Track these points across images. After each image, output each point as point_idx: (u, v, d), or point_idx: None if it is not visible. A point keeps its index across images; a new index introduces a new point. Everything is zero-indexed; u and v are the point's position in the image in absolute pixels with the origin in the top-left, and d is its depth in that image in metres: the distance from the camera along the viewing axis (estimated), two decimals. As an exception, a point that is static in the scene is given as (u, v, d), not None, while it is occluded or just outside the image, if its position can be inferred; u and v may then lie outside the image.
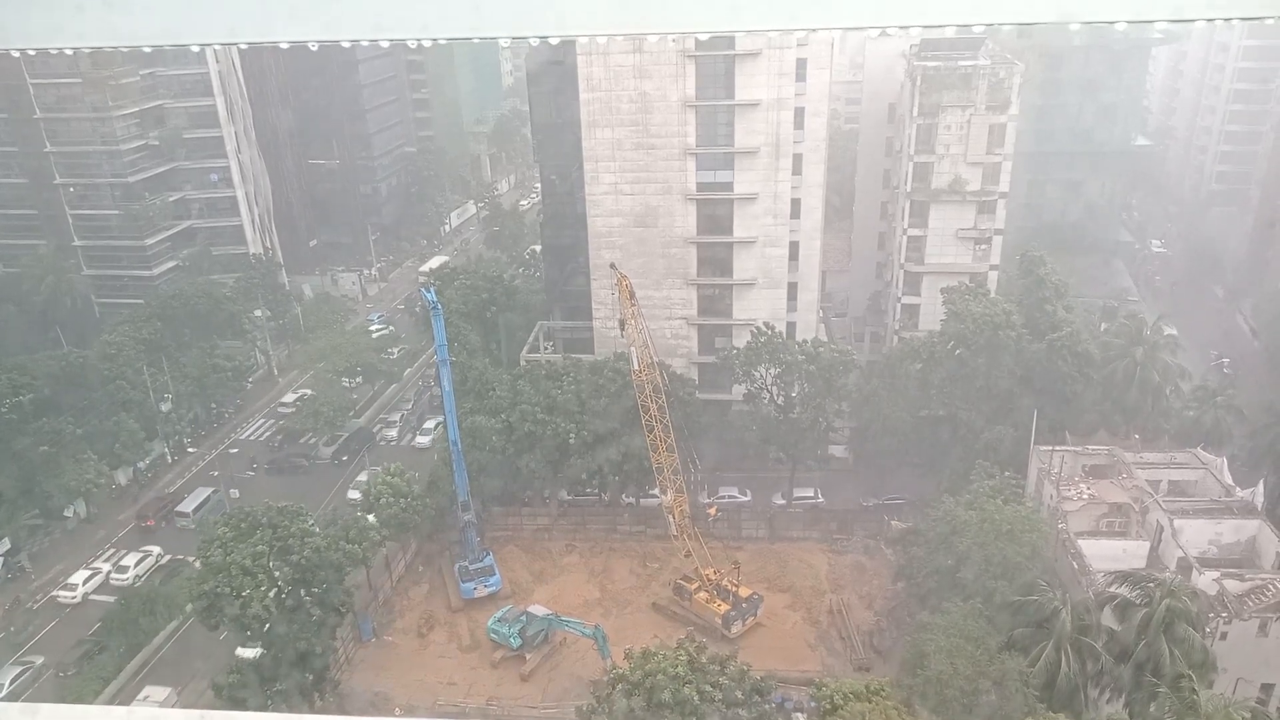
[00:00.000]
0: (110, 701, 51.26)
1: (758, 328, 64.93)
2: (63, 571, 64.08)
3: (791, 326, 69.82)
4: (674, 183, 67.07)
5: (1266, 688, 45.22)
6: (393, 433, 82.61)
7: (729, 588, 56.44)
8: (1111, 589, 43.37)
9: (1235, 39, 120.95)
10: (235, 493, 71.09)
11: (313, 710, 48.00)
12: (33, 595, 62.32)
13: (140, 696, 52.36)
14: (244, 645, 51.93)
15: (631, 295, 55.12)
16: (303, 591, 49.94)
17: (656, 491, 59.41)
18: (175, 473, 76.43)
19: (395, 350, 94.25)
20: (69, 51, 3.05)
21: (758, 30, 3.09)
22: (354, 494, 67.83)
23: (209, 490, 71.91)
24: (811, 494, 68.43)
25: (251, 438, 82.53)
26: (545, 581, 62.05)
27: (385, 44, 3.17)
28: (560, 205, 73.26)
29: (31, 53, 3.11)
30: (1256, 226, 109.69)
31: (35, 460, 64.65)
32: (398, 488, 59.32)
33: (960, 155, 71.85)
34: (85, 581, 62.09)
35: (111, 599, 59.31)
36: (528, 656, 53.95)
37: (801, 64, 64.04)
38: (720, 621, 55.28)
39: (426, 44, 3.13)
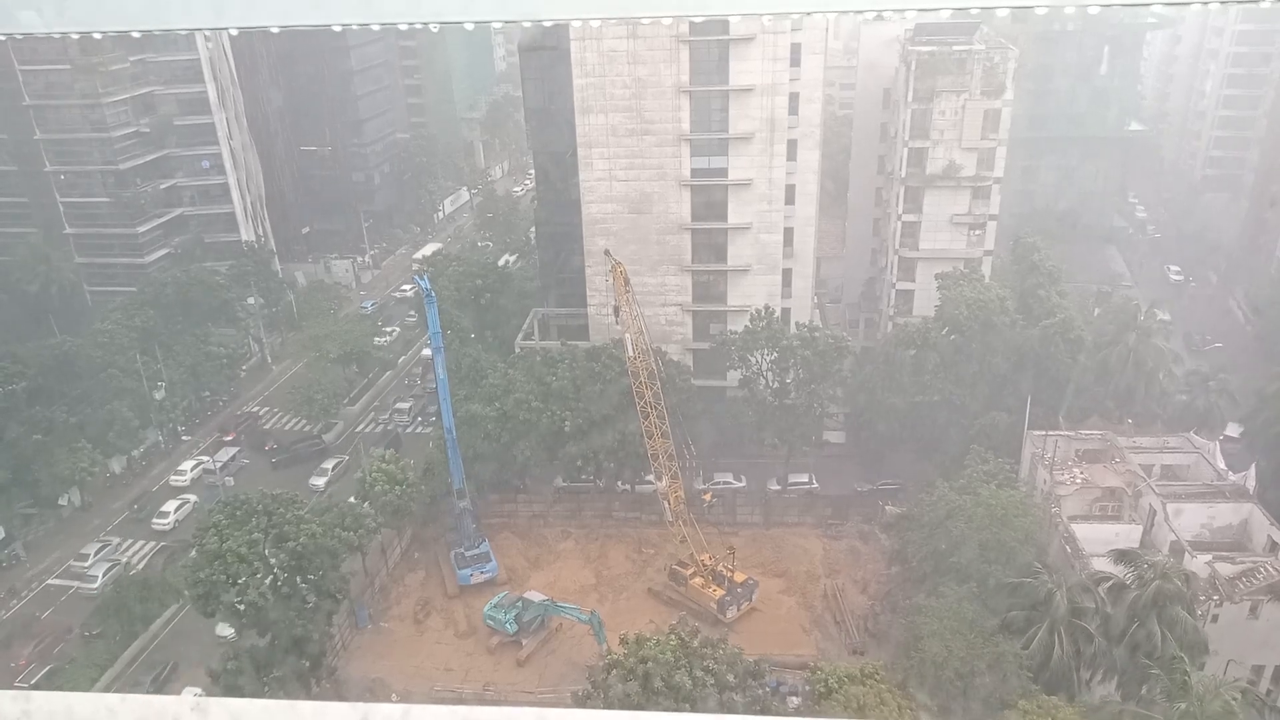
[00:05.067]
0: (107, 689, 51.36)
1: (756, 311, 64.90)
2: (58, 559, 64.26)
3: (786, 312, 69.83)
4: (668, 168, 66.88)
5: (1257, 669, 45.65)
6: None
7: (724, 573, 56.64)
8: (1107, 567, 43.70)
9: (1229, 23, 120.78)
10: (230, 480, 71.14)
11: (309, 697, 48.11)
12: (28, 584, 62.39)
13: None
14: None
15: (626, 282, 55.04)
16: (298, 579, 49.97)
17: (652, 478, 59.53)
18: (170, 460, 76.37)
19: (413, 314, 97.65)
20: (56, 35, 3.01)
21: (752, 13, 3.06)
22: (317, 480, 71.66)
23: (234, 450, 75.88)
24: (806, 479, 68.60)
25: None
26: (541, 567, 62.22)
27: (376, 27, 3.13)
28: (554, 191, 72.98)
29: (19, 37, 3.07)
30: (1250, 212, 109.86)
31: (29, 449, 64.47)
32: (393, 475, 59.33)
33: (955, 140, 71.77)
34: (192, 469, 73.78)
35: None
36: (524, 642, 54.15)
37: (796, 49, 63.77)
38: (715, 606, 55.51)
39: (418, 27, 3.09)
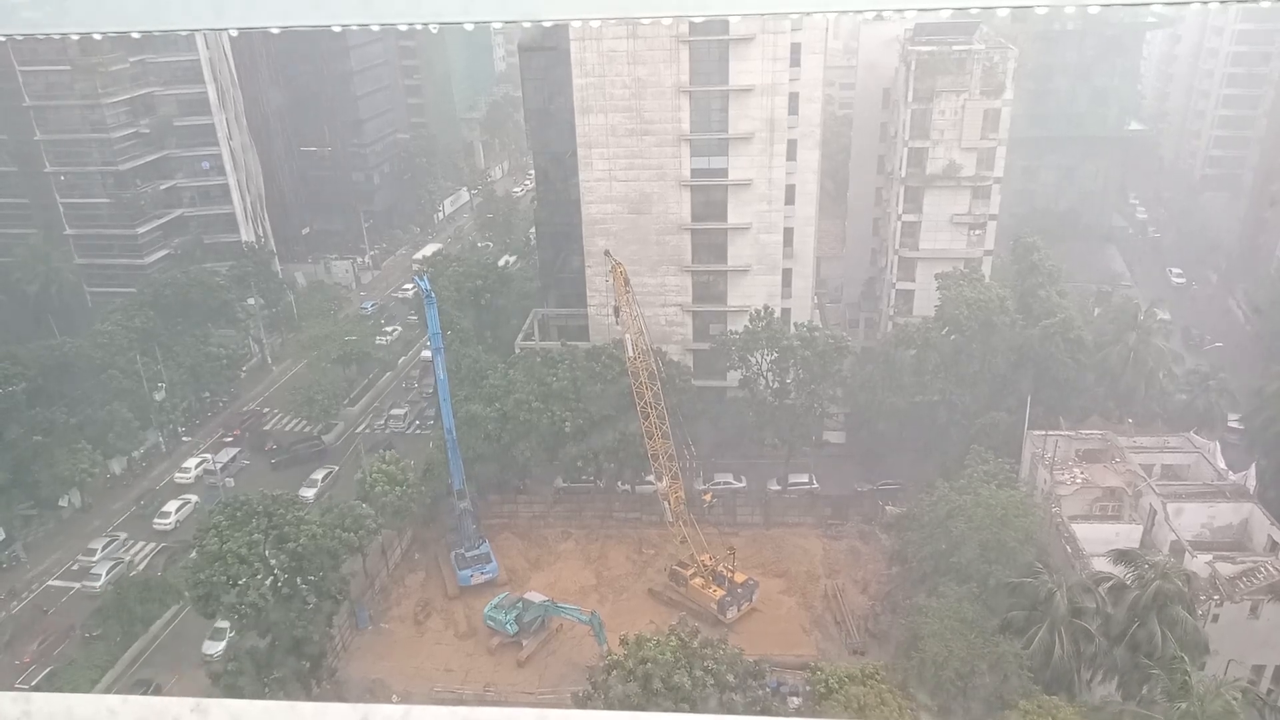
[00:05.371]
0: (107, 690, 51.34)
1: (756, 311, 64.93)
2: (58, 560, 64.30)
3: (786, 312, 69.85)
4: (668, 169, 66.88)
5: (1258, 669, 45.62)
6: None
7: (724, 573, 56.63)
8: (1107, 567, 43.70)
9: (1229, 22, 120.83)
10: (230, 481, 71.14)
11: (309, 698, 48.09)
12: (28, 585, 62.37)
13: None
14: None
15: (626, 282, 55.08)
16: (299, 579, 49.94)
17: (652, 478, 59.53)
18: (170, 461, 76.38)
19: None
20: (56, 35, 3.01)
21: (752, 13, 3.06)
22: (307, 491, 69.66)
23: (235, 450, 76.25)
24: (806, 479, 68.57)
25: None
26: (541, 568, 62.20)
27: (376, 27, 3.13)
28: (554, 192, 73.02)
29: (19, 37, 3.07)
30: (1250, 211, 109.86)
31: (29, 450, 64.44)
32: (393, 475, 59.33)
33: (955, 140, 71.78)
34: (196, 466, 74.26)
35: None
36: (524, 643, 54.15)
37: (796, 49, 63.80)
38: (716, 607, 55.50)
39: (418, 27, 3.09)
